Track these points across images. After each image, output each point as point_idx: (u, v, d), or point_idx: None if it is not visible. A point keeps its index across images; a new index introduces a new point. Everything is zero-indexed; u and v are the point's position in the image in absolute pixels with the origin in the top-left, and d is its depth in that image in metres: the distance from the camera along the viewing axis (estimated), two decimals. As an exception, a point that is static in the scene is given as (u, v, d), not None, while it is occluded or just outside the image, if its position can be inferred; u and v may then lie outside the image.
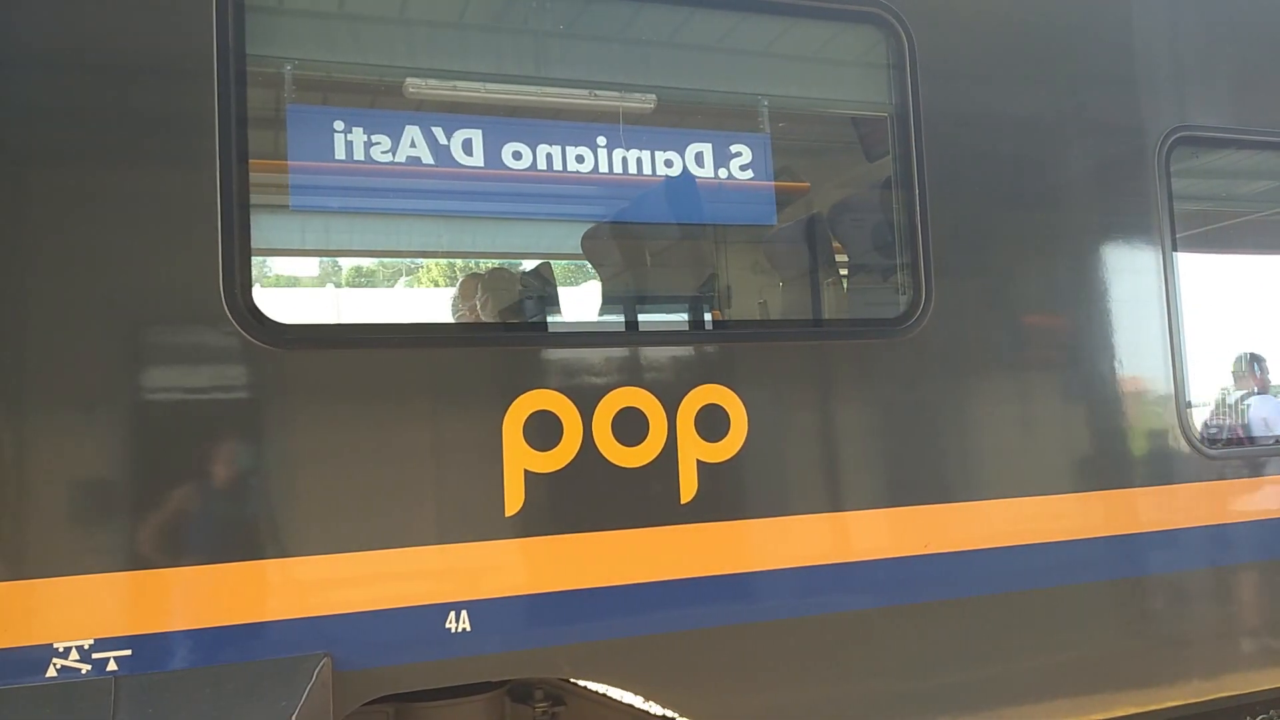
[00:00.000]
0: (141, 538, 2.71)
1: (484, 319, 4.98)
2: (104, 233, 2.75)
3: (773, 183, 3.73)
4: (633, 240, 4.00)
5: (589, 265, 4.84)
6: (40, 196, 2.71)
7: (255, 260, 2.93)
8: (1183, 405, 3.93)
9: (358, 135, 3.13)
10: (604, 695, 3.55)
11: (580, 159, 3.38)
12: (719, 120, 3.79)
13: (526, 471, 3.06)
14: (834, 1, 3.63)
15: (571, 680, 3.41)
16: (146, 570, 2.70)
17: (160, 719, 2.59)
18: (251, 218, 2.89)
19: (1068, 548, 3.71)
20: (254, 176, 2.90)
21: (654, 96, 3.58)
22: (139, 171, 2.81)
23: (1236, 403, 5.64)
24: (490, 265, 6.41)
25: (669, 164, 3.49)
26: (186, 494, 2.76)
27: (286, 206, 3.19)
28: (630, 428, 3.18)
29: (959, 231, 3.69)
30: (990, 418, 3.69)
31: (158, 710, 2.60)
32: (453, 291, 5.76)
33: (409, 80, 3.33)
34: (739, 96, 3.87)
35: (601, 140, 3.40)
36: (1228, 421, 5.58)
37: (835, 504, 3.45)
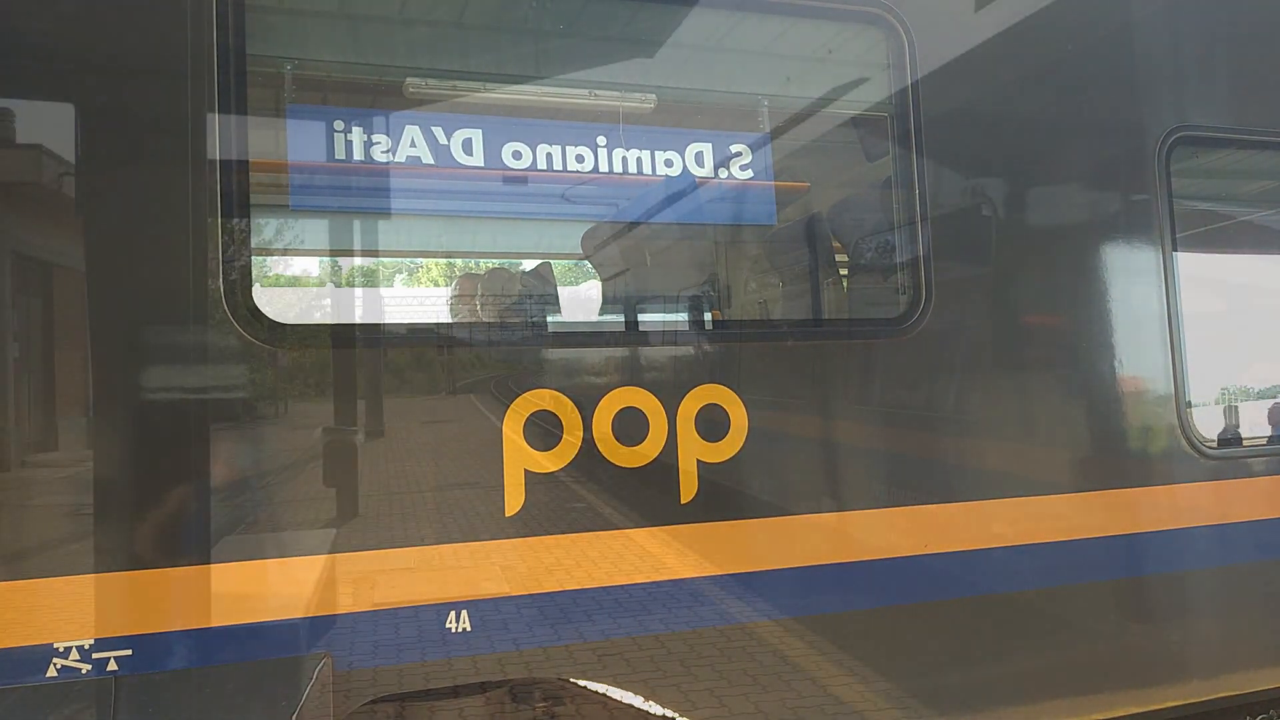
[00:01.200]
0: (142, 537, 2.71)
1: (483, 319, 4.97)
2: (104, 233, 2.75)
3: (773, 183, 3.73)
4: (633, 240, 4.00)
5: (589, 265, 4.84)
6: (40, 197, 2.70)
7: (255, 260, 2.93)
8: (1183, 405, 3.93)
9: (358, 135, 3.14)
10: (604, 695, 3.55)
11: (580, 159, 3.38)
12: (719, 120, 3.79)
13: (526, 471, 3.06)
14: (834, 1, 3.63)
15: (571, 680, 3.40)
16: (147, 570, 2.70)
17: (160, 719, 2.59)
18: (251, 218, 2.90)
19: (1068, 548, 3.71)
20: (254, 176, 2.90)
21: (654, 96, 3.58)
22: (139, 171, 2.81)
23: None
24: (490, 265, 6.40)
25: (669, 164, 3.50)
26: (187, 494, 2.76)
27: (286, 206, 3.19)
28: (630, 427, 3.18)
29: (959, 231, 3.69)
30: (990, 418, 3.69)
31: (158, 710, 2.60)
32: (452, 291, 5.75)
33: (409, 80, 3.33)
34: (739, 96, 3.87)
35: (601, 140, 3.40)
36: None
37: (835, 504, 3.45)
